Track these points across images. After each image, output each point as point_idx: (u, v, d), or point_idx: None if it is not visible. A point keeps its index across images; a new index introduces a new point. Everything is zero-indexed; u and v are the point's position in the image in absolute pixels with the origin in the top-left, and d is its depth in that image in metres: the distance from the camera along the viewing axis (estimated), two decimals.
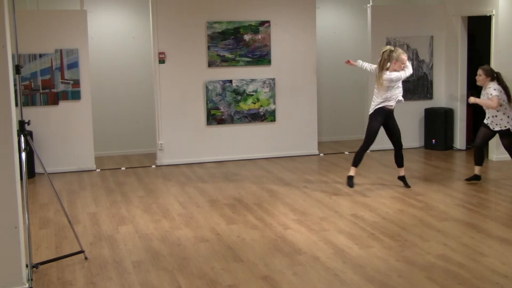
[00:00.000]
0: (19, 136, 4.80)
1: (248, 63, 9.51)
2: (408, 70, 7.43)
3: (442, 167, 8.90)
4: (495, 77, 7.56)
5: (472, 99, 7.59)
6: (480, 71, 7.60)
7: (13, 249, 4.56)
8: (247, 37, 9.45)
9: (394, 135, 7.64)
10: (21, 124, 4.88)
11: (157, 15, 9.09)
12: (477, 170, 7.77)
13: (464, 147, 10.06)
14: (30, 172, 8.42)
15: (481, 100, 7.56)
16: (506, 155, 9.16)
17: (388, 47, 7.46)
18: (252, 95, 9.57)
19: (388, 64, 7.33)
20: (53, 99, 8.86)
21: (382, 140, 10.09)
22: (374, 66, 7.62)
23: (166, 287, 4.76)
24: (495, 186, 7.74)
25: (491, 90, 7.44)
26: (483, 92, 7.66)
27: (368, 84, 10.28)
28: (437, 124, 10.05)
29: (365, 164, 9.18)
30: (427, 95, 10.36)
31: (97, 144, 9.63)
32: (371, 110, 7.59)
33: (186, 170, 8.93)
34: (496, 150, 9.16)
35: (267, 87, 9.61)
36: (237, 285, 4.77)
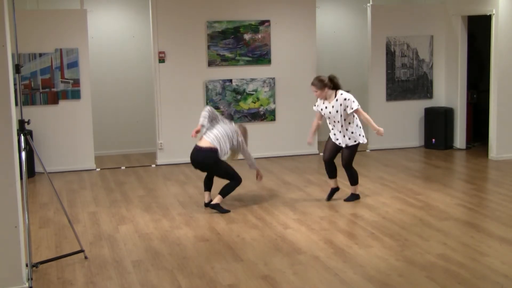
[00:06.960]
0: (19, 135, 4.79)
1: (248, 63, 9.51)
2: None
3: (442, 166, 8.90)
4: (332, 82, 6.66)
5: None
6: (313, 88, 6.69)
7: (13, 248, 4.56)
8: (247, 36, 9.45)
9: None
10: (21, 123, 4.88)
11: (157, 15, 9.09)
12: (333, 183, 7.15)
13: (464, 147, 10.05)
14: (30, 171, 8.41)
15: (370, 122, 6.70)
16: (506, 155, 9.18)
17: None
18: (252, 94, 9.57)
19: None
20: (53, 99, 8.86)
21: (383, 140, 10.13)
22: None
23: (166, 287, 4.76)
24: (495, 185, 7.73)
25: (351, 102, 6.56)
26: (328, 105, 6.70)
27: (368, 84, 10.28)
28: (437, 124, 10.04)
29: (365, 163, 9.20)
30: (427, 95, 10.35)
31: (97, 143, 9.62)
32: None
33: (186, 170, 8.92)
34: (496, 149, 9.15)
35: (267, 86, 9.61)
36: (237, 284, 4.77)
